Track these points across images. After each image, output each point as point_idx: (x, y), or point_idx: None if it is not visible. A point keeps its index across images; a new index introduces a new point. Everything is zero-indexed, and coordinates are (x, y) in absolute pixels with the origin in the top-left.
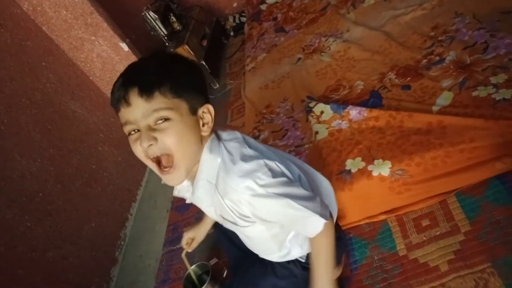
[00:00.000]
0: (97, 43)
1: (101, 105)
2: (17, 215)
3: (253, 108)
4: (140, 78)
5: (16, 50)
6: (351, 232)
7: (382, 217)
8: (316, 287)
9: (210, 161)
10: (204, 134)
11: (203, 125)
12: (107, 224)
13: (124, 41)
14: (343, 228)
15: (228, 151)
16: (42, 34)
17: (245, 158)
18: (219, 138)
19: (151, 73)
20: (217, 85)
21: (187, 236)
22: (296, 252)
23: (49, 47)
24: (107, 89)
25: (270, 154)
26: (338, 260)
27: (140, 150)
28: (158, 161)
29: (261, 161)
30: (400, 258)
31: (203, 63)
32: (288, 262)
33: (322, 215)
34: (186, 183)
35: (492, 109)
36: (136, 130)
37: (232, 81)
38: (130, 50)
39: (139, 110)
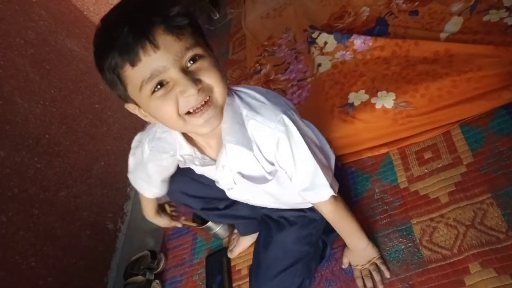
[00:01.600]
0: None
1: None
2: (26, 157)
3: (254, 40)
4: (161, 11)
5: None
6: (353, 166)
7: (384, 150)
8: (350, 249)
9: (230, 104)
10: None
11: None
12: (116, 162)
13: None
14: (345, 161)
15: (244, 92)
16: None
17: (267, 95)
18: None
19: (166, 3)
20: (217, 15)
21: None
22: None
23: None
24: None
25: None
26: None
27: (173, 108)
28: None
29: (283, 100)
30: (401, 191)
31: None
32: (305, 210)
33: (331, 186)
34: (190, 150)
35: (503, 35)
36: (159, 86)
37: (232, 10)
38: None
39: (171, 51)
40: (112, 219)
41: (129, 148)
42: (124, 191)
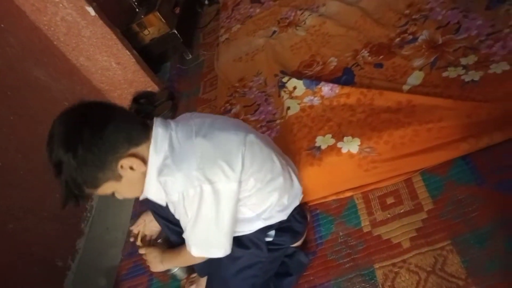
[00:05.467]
0: (61, 5)
1: (66, 72)
2: None
3: (226, 81)
4: None
5: None
6: (318, 208)
7: (349, 193)
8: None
9: (159, 188)
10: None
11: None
12: None
13: (90, 4)
14: (311, 204)
15: (171, 167)
16: None
17: (180, 168)
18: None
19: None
20: (190, 55)
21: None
22: (258, 223)
23: (9, 8)
24: (72, 56)
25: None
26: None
27: None
28: None
29: (193, 172)
30: (364, 235)
31: (175, 31)
32: (249, 247)
33: (199, 247)
34: None
35: (461, 90)
36: None
37: (205, 52)
38: (97, 15)
39: None
40: (63, 255)
41: None
42: (78, 227)
